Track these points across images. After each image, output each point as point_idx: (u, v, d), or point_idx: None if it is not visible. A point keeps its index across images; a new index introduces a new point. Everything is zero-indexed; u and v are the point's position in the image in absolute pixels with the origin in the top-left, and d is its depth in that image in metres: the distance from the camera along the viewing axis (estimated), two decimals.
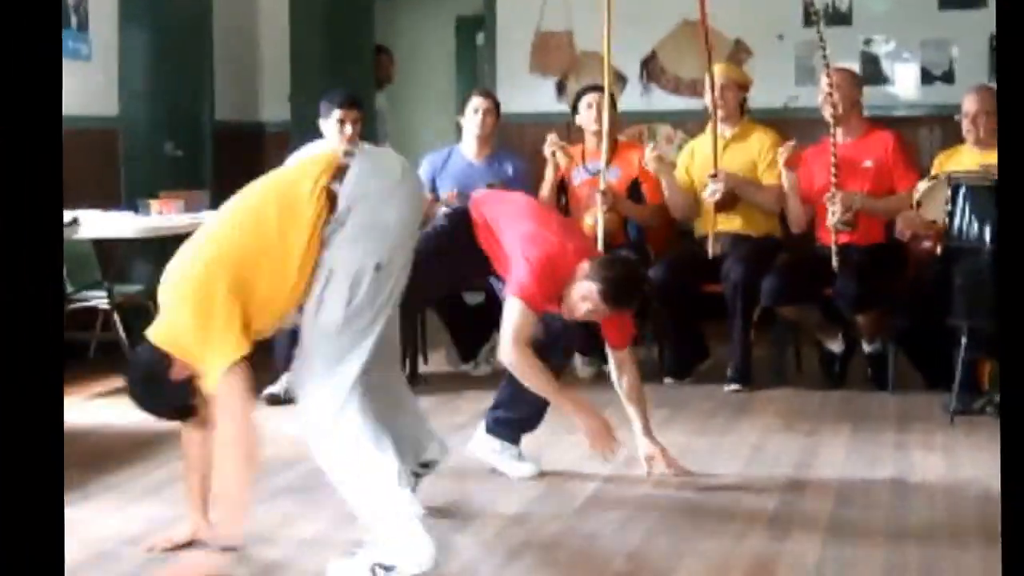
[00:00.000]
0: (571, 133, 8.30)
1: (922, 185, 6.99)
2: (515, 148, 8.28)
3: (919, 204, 6.95)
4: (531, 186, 7.89)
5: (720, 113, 7.78)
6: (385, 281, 4.32)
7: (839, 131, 7.36)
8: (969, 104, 7.19)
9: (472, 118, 7.94)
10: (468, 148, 7.98)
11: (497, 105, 8.10)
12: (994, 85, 7.71)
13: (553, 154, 7.97)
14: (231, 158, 10.12)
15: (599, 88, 8.03)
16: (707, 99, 7.77)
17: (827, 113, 7.34)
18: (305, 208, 4.27)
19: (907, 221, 7.11)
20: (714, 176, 7.62)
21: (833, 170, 7.22)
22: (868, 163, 7.42)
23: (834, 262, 7.22)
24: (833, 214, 7.23)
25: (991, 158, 6.72)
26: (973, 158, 7.06)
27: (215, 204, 8.94)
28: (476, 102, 7.96)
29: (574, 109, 8.22)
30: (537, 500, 5.25)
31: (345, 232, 4.28)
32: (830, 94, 7.31)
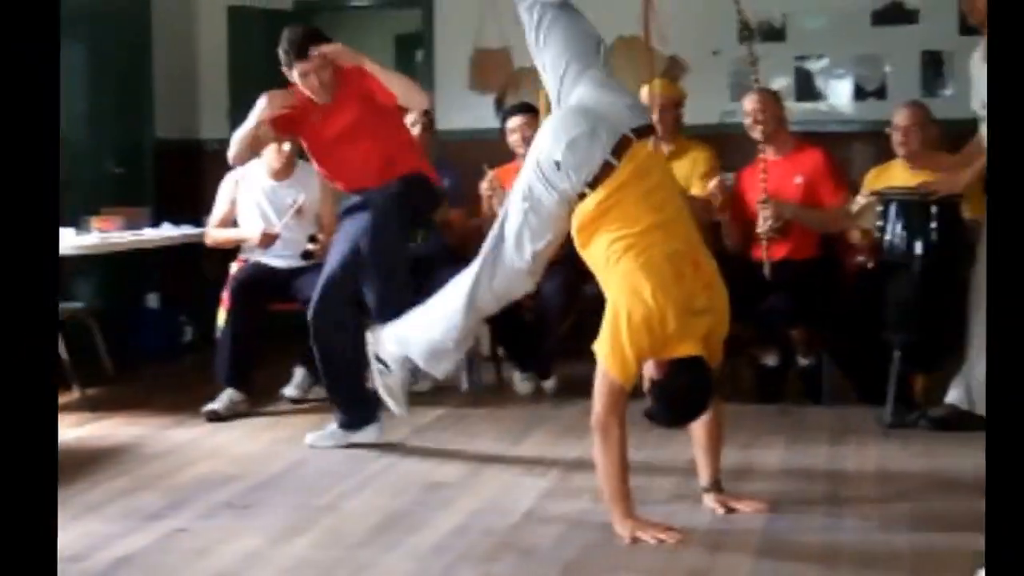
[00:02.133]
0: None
1: (860, 199, 7.09)
2: (455, 165, 8.25)
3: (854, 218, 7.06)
4: (465, 198, 7.92)
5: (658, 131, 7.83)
6: None
7: (770, 150, 7.45)
8: (900, 118, 7.28)
9: None
10: None
11: (431, 120, 8.06)
12: (924, 100, 7.84)
13: (490, 197, 7.86)
14: (172, 175, 10.14)
15: (524, 110, 8.01)
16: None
17: (756, 133, 7.44)
18: None
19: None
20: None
21: (763, 176, 7.27)
22: (799, 179, 7.44)
23: (766, 270, 7.28)
24: (765, 220, 7.27)
25: (921, 177, 6.84)
26: (904, 174, 7.16)
27: (156, 221, 9.00)
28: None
29: (502, 129, 8.18)
30: (474, 514, 5.27)
31: None
32: (757, 120, 7.41)
